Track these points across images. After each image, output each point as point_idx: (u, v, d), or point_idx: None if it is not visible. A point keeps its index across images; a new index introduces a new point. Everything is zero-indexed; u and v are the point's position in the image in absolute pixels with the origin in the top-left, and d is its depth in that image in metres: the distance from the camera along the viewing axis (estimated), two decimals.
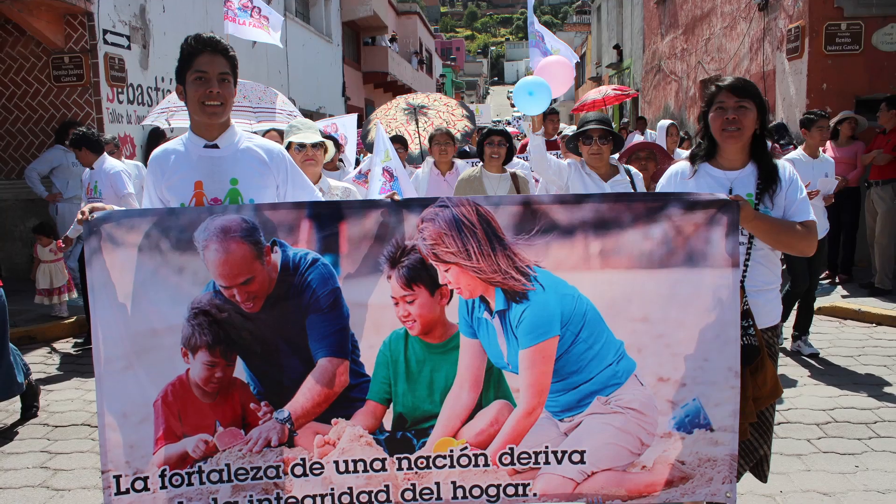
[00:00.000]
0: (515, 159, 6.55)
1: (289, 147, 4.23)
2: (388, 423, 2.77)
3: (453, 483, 2.75)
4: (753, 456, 3.12)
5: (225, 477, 2.71)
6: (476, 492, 2.75)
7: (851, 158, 8.92)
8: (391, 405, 2.77)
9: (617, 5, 26.86)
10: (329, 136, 5.30)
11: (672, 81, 18.41)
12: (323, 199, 3.65)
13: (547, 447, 2.74)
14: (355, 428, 2.73)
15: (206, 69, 2.89)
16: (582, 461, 2.73)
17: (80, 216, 2.66)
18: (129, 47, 10.68)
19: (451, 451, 2.73)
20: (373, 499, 2.75)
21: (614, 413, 2.72)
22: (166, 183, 3.00)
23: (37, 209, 9.71)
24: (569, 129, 8.43)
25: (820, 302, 7.62)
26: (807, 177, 5.91)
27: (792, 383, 5.73)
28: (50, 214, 9.15)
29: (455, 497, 2.76)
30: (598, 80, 29.56)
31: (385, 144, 5.11)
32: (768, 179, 2.98)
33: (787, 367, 6.14)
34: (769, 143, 3.20)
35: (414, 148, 9.10)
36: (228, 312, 2.68)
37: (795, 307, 6.57)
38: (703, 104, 3.11)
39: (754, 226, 2.81)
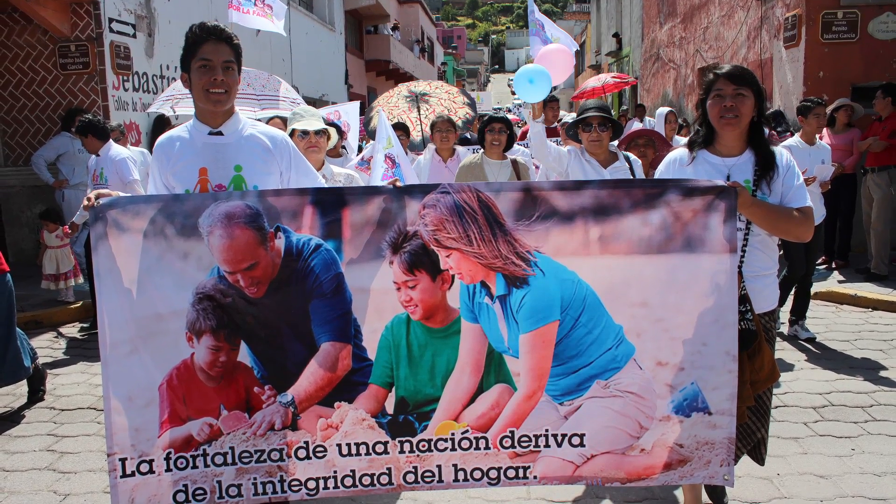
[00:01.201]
0: (516, 146, 6.59)
1: (292, 134, 4.24)
2: (390, 407, 2.79)
3: (455, 466, 2.78)
4: (751, 439, 3.15)
5: (229, 460, 2.74)
6: (477, 474, 2.78)
7: (848, 145, 8.93)
8: (393, 389, 2.79)
9: None
10: (332, 124, 5.32)
11: (670, 69, 18.36)
12: (326, 186, 3.67)
13: (547, 430, 2.76)
14: (358, 411, 2.76)
15: (211, 57, 2.90)
16: (581, 444, 2.76)
17: (86, 202, 2.69)
18: (134, 36, 10.69)
19: (453, 434, 2.76)
20: (375, 481, 2.78)
21: (613, 397, 2.75)
22: (171, 169, 3.01)
23: (43, 195, 9.75)
24: (569, 117, 8.43)
25: (817, 287, 7.65)
26: (803, 163, 5.93)
27: (789, 367, 5.76)
28: (56, 200, 9.19)
29: (456, 480, 2.79)
30: (597, 68, 29.44)
31: (387, 131, 5.14)
32: (766, 166, 3.01)
33: (784, 351, 6.17)
34: (766, 131, 3.22)
35: (416, 135, 9.11)
36: (232, 297, 2.70)
37: (792, 292, 6.59)
38: (702, 92, 3.13)
39: (752, 212, 2.84)
